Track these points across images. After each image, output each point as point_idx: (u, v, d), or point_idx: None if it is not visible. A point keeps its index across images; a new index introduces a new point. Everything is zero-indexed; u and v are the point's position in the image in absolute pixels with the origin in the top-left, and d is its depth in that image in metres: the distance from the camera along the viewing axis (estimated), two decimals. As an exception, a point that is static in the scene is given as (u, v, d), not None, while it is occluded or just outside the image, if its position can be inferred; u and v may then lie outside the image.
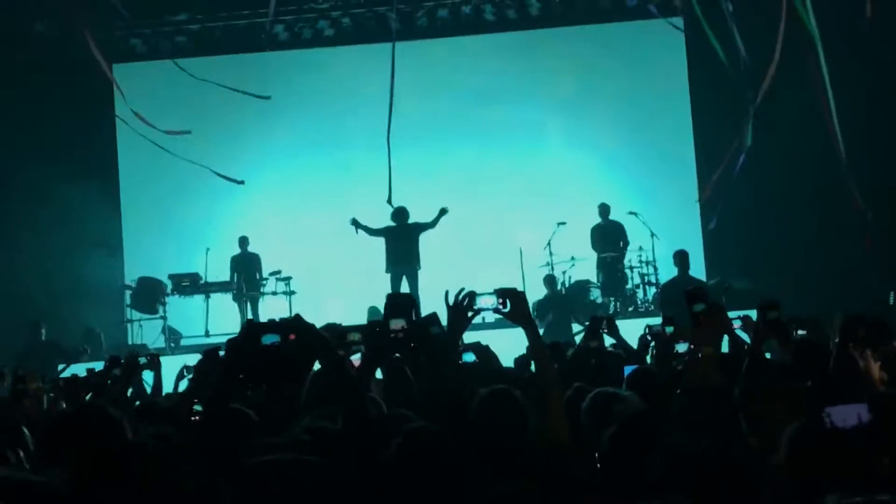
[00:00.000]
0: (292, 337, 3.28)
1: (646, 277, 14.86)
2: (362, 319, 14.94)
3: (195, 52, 16.31)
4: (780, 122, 14.55)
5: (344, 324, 13.54)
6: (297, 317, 3.46)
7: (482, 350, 6.38)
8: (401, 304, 3.79)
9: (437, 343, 3.93)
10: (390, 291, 14.51)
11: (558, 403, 4.14)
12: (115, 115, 15.94)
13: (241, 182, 15.72)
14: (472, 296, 4.23)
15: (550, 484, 3.48)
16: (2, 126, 14.90)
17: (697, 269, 14.99)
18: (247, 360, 3.27)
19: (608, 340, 7.56)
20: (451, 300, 4.29)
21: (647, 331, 7.66)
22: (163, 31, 16.23)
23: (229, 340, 3.63)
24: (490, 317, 4.47)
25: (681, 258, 13.47)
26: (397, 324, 3.73)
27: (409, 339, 3.71)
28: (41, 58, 14.86)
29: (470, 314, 4.25)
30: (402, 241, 14.58)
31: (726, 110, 15.11)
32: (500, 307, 4.19)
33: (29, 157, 14.87)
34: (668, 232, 14.91)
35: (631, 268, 14.92)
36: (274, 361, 3.26)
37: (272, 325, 3.30)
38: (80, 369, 10.60)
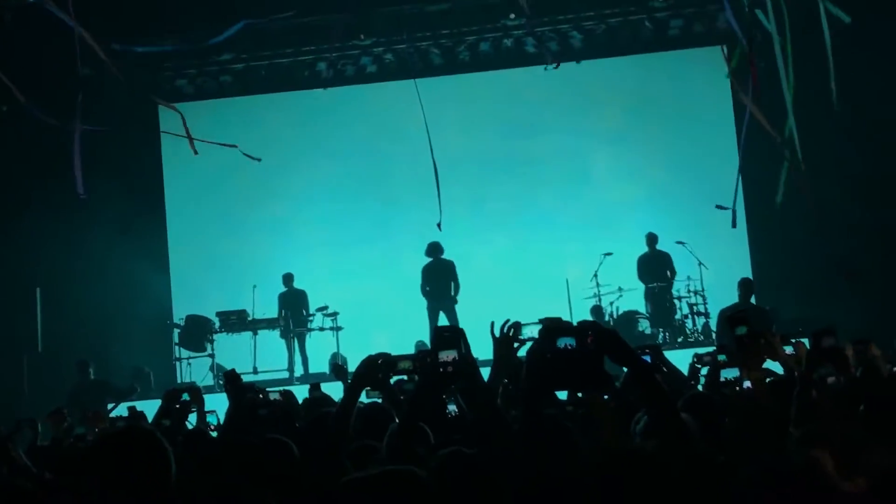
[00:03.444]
0: (590, 339, 3.15)
1: (695, 307, 14.69)
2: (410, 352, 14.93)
3: (240, 91, 16.45)
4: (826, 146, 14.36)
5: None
6: (595, 322, 3.34)
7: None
8: (449, 336, 3.72)
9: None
10: (431, 332, 14.53)
11: (609, 415, 4.03)
12: (160, 154, 16.11)
13: (259, 159, 15.41)
14: (517, 326, 4.17)
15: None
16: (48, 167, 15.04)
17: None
18: (545, 364, 3.14)
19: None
20: (497, 331, 4.23)
21: (695, 359, 7.56)
22: (208, 71, 16.36)
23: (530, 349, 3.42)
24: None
25: (745, 285, 13.28)
26: (448, 355, 3.66)
27: (460, 372, 3.64)
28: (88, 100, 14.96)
29: (516, 345, 4.19)
30: (435, 276, 14.59)
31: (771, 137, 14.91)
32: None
33: (74, 195, 15.00)
34: (716, 261, 14.75)
35: (679, 298, 14.77)
36: (573, 366, 3.13)
37: (567, 329, 3.18)
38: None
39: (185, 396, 7.65)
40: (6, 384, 13.80)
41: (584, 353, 3.09)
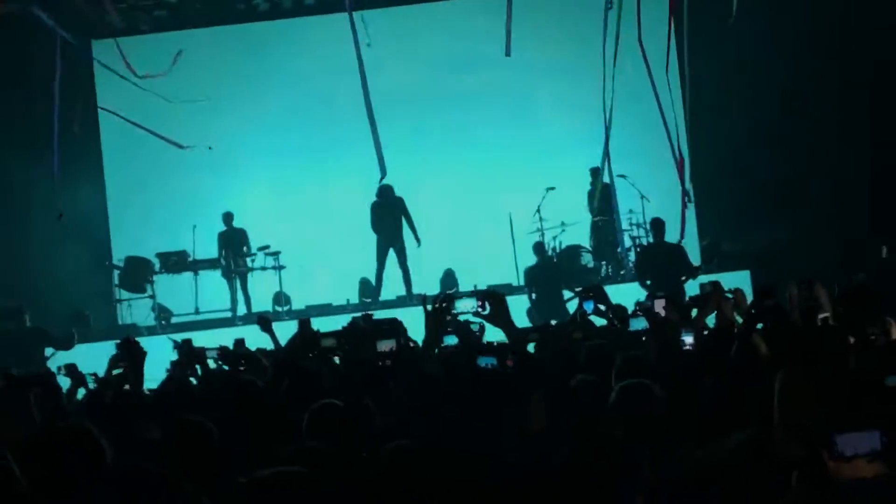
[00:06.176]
0: (510, 363, 3.08)
1: (637, 240, 14.77)
2: (353, 292, 14.90)
3: (174, 25, 16.05)
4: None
5: (334, 302, 13.39)
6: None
7: (463, 327, 6.17)
8: (388, 328, 3.68)
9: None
10: (376, 270, 14.48)
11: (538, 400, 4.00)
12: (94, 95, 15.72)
13: (187, 147, 15.31)
14: (449, 299, 4.11)
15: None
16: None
17: (689, 230, 14.97)
18: (463, 381, 3.07)
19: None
20: (430, 306, 4.17)
21: (637, 307, 7.52)
22: (141, 6, 15.89)
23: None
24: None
25: (655, 226, 13.34)
26: (386, 345, 3.61)
27: (398, 363, 3.59)
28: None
29: (448, 318, 4.13)
30: (384, 213, 14.50)
31: (715, 62, 14.89)
32: (480, 310, 4.07)
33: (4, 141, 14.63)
34: (659, 193, 14.81)
35: (622, 231, 14.84)
36: (490, 386, 3.05)
37: (489, 348, 3.10)
38: (69, 356, 10.54)
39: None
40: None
41: (505, 374, 3.05)
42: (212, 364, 6.89)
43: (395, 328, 3.68)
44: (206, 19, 16.05)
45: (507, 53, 14.58)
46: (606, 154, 14.64)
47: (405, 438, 3.31)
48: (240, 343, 7.70)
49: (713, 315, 6.61)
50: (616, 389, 3.88)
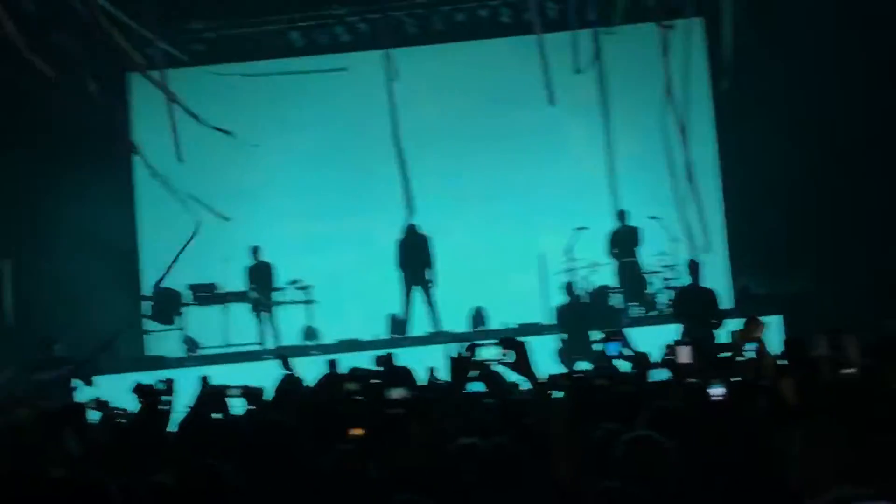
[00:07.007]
0: None
1: (668, 281, 14.68)
2: (383, 327, 14.87)
3: (211, 59, 16.18)
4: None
5: (364, 337, 13.36)
6: None
7: (490, 375, 6.11)
8: (401, 374, 3.67)
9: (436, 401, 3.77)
10: (404, 306, 14.47)
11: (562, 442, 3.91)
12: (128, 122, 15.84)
13: (229, 132, 15.16)
14: (473, 348, 4.08)
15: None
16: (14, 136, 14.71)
17: (720, 273, 14.91)
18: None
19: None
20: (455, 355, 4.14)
21: (667, 352, 7.41)
22: (179, 40, 16.01)
23: None
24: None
25: (692, 268, 13.20)
26: (397, 393, 3.59)
27: (410, 410, 3.56)
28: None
29: (472, 367, 4.10)
30: (409, 250, 14.53)
31: (750, 111, 14.84)
32: (504, 357, 4.03)
33: (37, 165, 14.74)
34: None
35: (652, 272, 14.76)
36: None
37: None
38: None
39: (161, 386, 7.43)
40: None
41: None
42: (236, 402, 6.86)
43: (406, 378, 3.66)
44: (243, 54, 16.15)
45: (551, 102, 14.78)
46: (614, 195, 14.83)
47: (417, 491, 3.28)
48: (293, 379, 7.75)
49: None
50: (620, 443, 3.80)
